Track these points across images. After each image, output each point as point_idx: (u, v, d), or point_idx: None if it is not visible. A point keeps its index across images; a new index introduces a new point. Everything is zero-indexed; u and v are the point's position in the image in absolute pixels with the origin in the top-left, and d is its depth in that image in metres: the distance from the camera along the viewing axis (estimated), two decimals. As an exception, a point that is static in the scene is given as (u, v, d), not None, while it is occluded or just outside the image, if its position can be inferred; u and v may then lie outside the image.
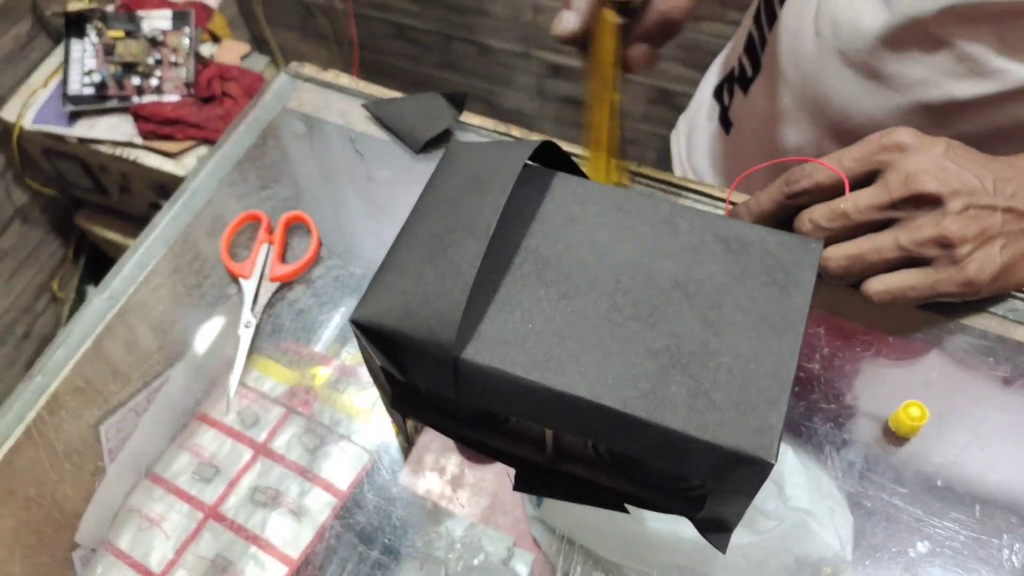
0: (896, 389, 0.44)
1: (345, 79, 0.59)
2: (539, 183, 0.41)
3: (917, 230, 0.43)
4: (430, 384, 0.37)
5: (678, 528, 0.44)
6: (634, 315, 0.36)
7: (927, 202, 0.43)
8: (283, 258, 0.52)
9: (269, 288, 0.50)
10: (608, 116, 0.47)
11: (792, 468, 0.44)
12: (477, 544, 0.45)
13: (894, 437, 0.43)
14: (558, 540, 0.43)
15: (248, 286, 0.50)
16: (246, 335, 0.49)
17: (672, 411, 0.33)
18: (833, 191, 0.45)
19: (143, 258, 0.52)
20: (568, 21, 0.44)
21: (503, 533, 0.44)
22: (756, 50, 0.66)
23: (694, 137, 0.79)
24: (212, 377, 0.49)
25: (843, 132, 0.61)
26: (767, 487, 0.44)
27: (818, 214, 0.45)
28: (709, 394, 0.33)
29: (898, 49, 0.53)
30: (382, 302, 0.36)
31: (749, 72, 0.68)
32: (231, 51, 1.37)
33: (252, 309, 0.49)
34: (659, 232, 0.39)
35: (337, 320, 0.50)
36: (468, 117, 0.56)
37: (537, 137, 0.49)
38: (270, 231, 0.52)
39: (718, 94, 0.74)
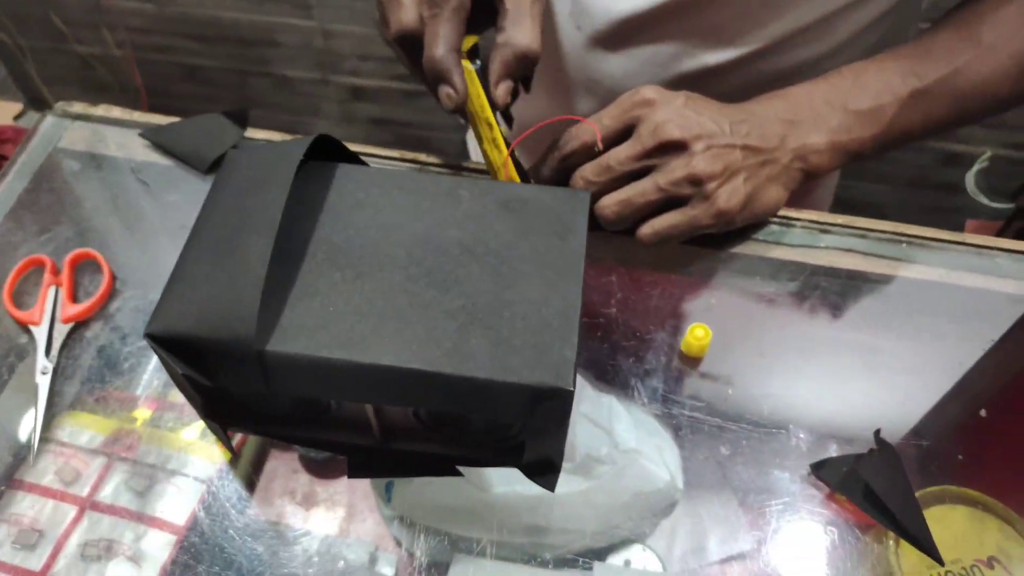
0: (683, 318, 0.49)
1: (118, 111, 0.57)
2: (323, 176, 0.42)
3: (671, 172, 0.47)
4: (240, 384, 0.37)
5: (519, 488, 0.46)
6: (429, 283, 0.38)
7: (675, 147, 0.47)
8: (74, 298, 0.49)
9: (63, 330, 0.48)
10: (506, 152, 0.49)
11: (618, 414, 0.48)
12: (337, 554, 0.45)
13: (688, 359, 0.48)
14: (415, 532, 0.44)
15: (39, 332, 0.47)
16: (44, 382, 0.46)
17: (475, 362, 0.35)
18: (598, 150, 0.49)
19: (-85, 325, 0.48)
20: (452, 95, 0.45)
21: (363, 539, 0.45)
22: None
23: None
24: (18, 438, 0.46)
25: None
26: (598, 435, 0.47)
27: (588, 171, 0.49)
28: (508, 341, 0.36)
29: (649, 30, 0.59)
30: (175, 311, 0.36)
31: None
32: (2, 112, 1.28)
33: (47, 355, 0.47)
34: (443, 204, 0.41)
35: (145, 350, 0.48)
36: (255, 132, 0.57)
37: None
38: (56, 273, 0.50)
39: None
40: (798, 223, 0.53)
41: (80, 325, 0.48)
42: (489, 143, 0.49)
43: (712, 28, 0.56)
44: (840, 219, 0.54)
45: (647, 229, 0.49)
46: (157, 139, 0.55)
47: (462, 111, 0.46)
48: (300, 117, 1.66)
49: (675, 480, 0.45)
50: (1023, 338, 0.48)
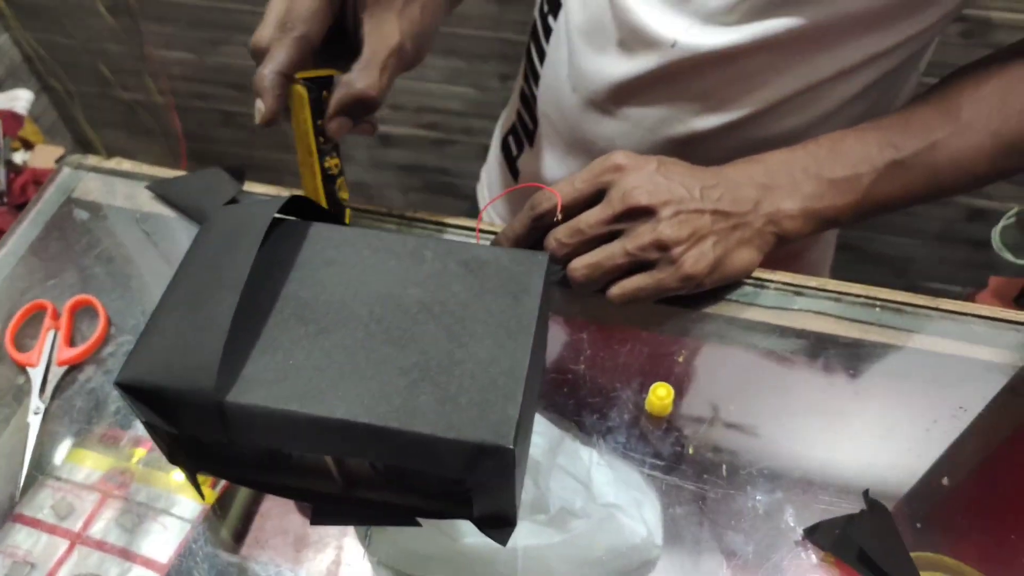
0: (649, 376, 0.50)
1: (128, 164, 0.61)
2: (296, 234, 0.45)
3: (638, 237, 0.49)
4: (202, 432, 0.39)
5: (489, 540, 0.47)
6: (386, 340, 0.40)
7: (643, 213, 0.49)
8: (71, 342, 0.52)
9: (57, 373, 0.51)
10: (319, 180, 0.52)
11: (598, 467, 0.48)
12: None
13: (651, 418, 0.48)
14: (395, 576, 0.45)
15: (35, 373, 0.50)
16: (35, 422, 0.49)
17: (421, 417, 0.36)
18: (571, 211, 0.51)
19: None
20: (261, 109, 0.48)
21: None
22: (531, 105, 0.73)
23: (492, 187, 0.85)
24: (14, 474, 0.49)
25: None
26: (574, 487, 0.47)
27: (560, 232, 0.51)
28: (455, 398, 0.37)
29: (640, 95, 0.61)
30: (144, 361, 0.38)
31: (530, 125, 0.75)
32: (45, 155, 1.34)
33: (40, 395, 0.50)
34: (406, 264, 0.43)
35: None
36: (252, 186, 0.60)
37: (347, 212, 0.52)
38: (56, 317, 0.53)
39: (505, 147, 0.80)
40: (771, 285, 0.54)
41: (74, 368, 0.51)
42: (306, 168, 0.52)
43: (700, 95, 0.58)
44: (813, 281, 0.54)
45: (616, 290, 0.50)
46: (161, 192, 0.58)
47: (268, 125, 0.48)
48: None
49: (653, 536, 0.46)
50: (993, 407, 0.48)
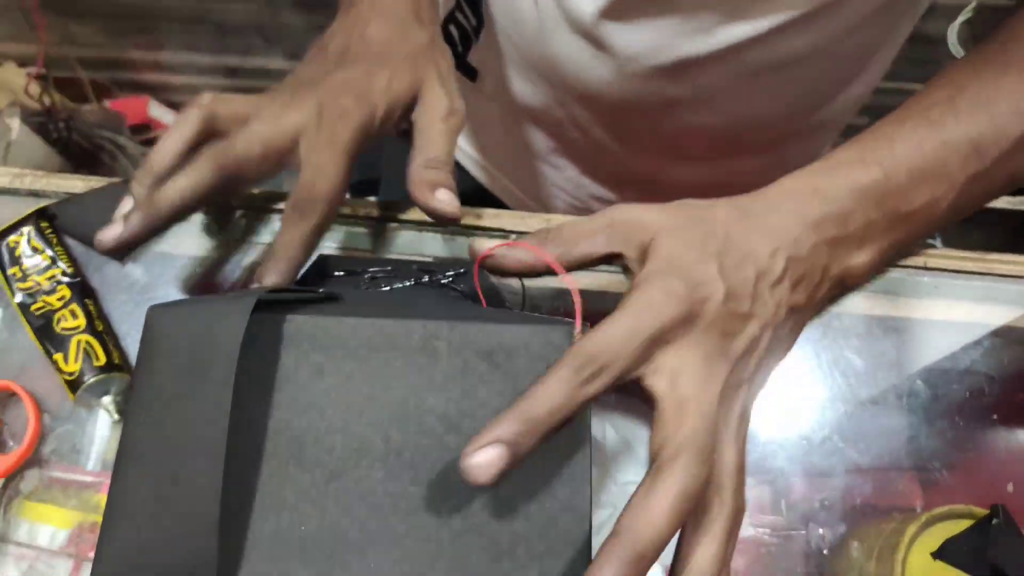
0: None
1: (4, 177, 0.47)
2: (272, 335, 0.35)
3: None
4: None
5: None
6: (413, 478, 0.33)
7: None
8: (-1, 445, 0.43)
9: (-7, 490, 0.42)
10: None
11: None
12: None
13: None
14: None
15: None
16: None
17: (477, 587, 0.31)
18: None
19: None
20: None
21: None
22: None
23: None
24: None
25: (581, 96, 0.58)
26: None
27: None
28: (511, 552, 0.32)
29: (623, 19, 0.49)
30: (117, 559, 0.31)
31: (472, 20, 0.62)
32: None
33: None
34: (418, 364, 0.35)
35: (103, 432, 0.42)
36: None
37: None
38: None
39: (447, 36, 0.66)
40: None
41: (9, 481, 0.42)
42: None
43: (695, 16, 0.49)
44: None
45: None
46: (57, 222, 0.45)
47: None
48: (217, 2, 1.47)
49: None
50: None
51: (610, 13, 0.49)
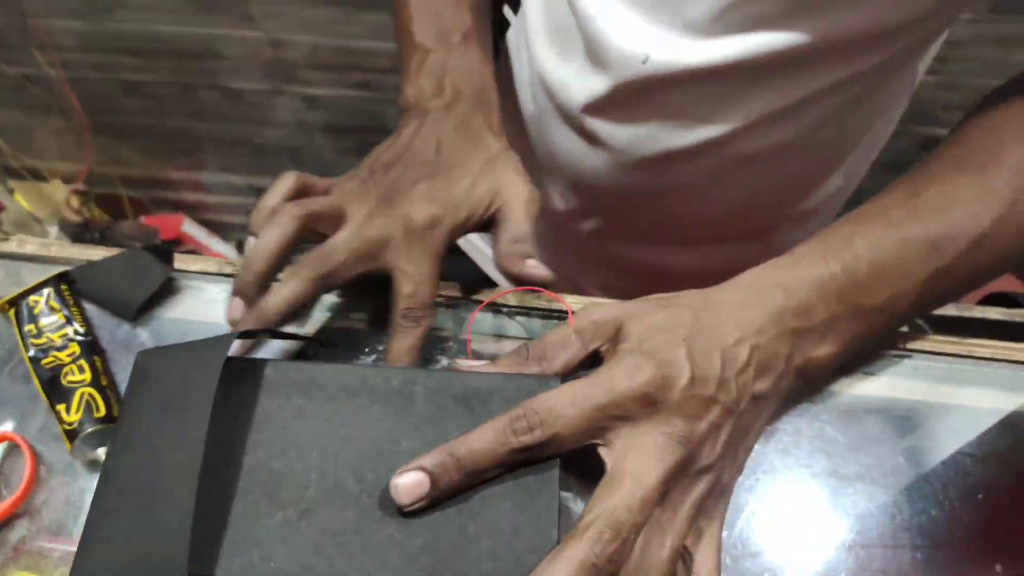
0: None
1: (33, 246, 0.51)
2: (254, 378, 0.37)
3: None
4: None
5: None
6: (383, 517, 0.33)
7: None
8: (-7, 494, 0.44)
9: (-18, 538, 0.42)
10: None
11: None
12: None
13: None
14: None
15: (-46, 543, 0.42)
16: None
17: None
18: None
19: None
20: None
21: None
22: None
23: None
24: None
25: (577, 185, 0.61)
26: None
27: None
28: (476, 590, 0.32)
29: (606, 116, 0.54)
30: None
31: None
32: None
33: (-35, 570, 0.42)
34: (394, 407, 0.36)
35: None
36: (183, 261, 0.51)
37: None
38: (-32, 466, 0.44)
39: None
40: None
41: (3, 526, 0.43)
42: None
43: (678, 112, 0.52)
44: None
45: None
46: (78, 284, 0.49)
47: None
48: (253, 127, 1.58)
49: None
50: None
51: (591, 110, 0.53)
